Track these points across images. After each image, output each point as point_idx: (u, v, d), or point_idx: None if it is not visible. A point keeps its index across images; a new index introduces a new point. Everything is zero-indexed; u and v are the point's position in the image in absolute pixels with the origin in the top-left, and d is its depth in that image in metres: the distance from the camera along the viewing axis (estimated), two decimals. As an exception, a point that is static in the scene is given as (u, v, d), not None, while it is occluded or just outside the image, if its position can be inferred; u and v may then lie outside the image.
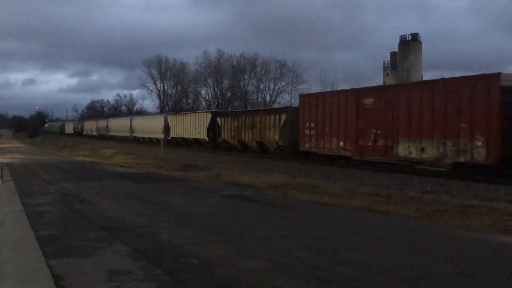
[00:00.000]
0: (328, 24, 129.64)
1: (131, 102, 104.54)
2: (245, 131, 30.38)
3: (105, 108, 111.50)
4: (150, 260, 5.78)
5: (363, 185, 14.98)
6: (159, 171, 20.23)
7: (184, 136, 40.58)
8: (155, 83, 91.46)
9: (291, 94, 76.38)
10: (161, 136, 44.80)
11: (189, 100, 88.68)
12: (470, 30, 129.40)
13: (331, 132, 22.07)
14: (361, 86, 27.99)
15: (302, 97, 26.08)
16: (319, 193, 12.60)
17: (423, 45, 73.62)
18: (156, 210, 9.80)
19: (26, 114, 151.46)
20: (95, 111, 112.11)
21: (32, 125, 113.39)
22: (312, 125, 23.24)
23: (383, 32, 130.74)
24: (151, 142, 49.25)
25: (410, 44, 71.58)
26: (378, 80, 77.70)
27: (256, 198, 11.67)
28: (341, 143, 21.58)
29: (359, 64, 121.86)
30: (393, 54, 75.56)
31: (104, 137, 66.12)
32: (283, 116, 26.60)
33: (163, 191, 13.19)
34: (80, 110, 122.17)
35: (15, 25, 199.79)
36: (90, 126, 77.69)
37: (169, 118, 44.64)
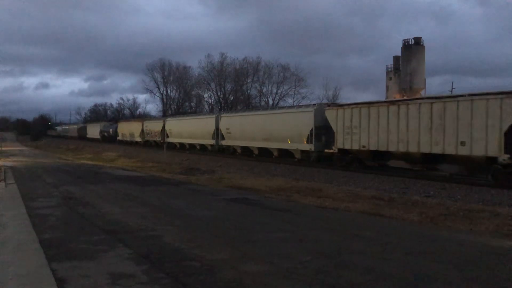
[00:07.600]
0: (341, 30, 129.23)
1: (134, 105, 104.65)
2: None
3: (108, 112, 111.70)
4: (153, 263, 5.78)
5: (366, 189, 14.96)
6: (162, 174, 20.26)
7: (390, 149, 18.82)
8: (158, 87, 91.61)
9: (293, 98, 76.31)
10: (301, 145, 24.52)
11: (192, 103, 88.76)
12: (483, 36, 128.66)
13: None
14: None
15: None
16: (322, 196, 12.58)
17: (432, 50, 72.42)
18: (159, 213, 9.81)
19: (30, 117, 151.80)
20: (99, 114, 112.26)
21: (36, 128, 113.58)
22: None
23: (396, 38, 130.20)
24: (261, 153, 28.64)
25: (413, 48, 71.23)
26: (382, 84, 77.45)
27: (259, 201, 11.67)
28: None
29: (367, 70, 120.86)
30: (396, 58, 75.31)
31: (155, 144, 46.95)
32: None
33: (166, 194, 13.20)
34: (83, 114, 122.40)
35: (39, 31, 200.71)
36: (130, 129, 57.54)
37: (329, 113, 22.15)
